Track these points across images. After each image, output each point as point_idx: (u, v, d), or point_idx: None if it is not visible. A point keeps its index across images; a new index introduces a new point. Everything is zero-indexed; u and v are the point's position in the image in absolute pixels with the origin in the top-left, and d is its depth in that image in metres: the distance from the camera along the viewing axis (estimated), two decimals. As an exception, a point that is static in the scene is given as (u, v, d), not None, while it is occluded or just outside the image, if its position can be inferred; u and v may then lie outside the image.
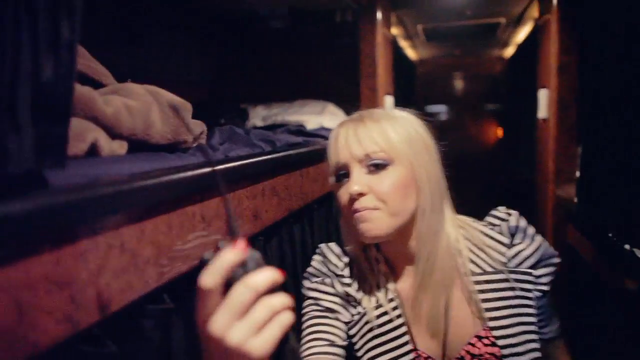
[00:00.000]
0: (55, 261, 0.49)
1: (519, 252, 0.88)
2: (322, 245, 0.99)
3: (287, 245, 1.20)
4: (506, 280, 0.87)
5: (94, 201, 0.53)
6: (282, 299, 0.48)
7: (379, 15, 2.11)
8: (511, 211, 0.93)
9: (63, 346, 0.51)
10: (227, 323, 0.46)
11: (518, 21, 2.82)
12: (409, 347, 0.87)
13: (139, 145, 0.80)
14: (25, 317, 0.46)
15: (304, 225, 1.33)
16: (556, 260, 0.91)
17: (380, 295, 0.90)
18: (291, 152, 1.14)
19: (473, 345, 0.86)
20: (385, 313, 0.89)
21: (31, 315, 0.47)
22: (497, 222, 0.92)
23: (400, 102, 3.69)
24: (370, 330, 0.88)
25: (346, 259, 0.94)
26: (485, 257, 0.89)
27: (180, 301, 0.73)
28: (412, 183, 0.86)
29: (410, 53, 3.98)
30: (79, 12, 0.50)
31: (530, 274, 0.88)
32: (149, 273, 0.64)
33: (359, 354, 0.89)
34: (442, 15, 2.58)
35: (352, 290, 0.91)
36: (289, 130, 1.50)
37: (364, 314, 0.89)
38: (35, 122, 0.46)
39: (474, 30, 3.05)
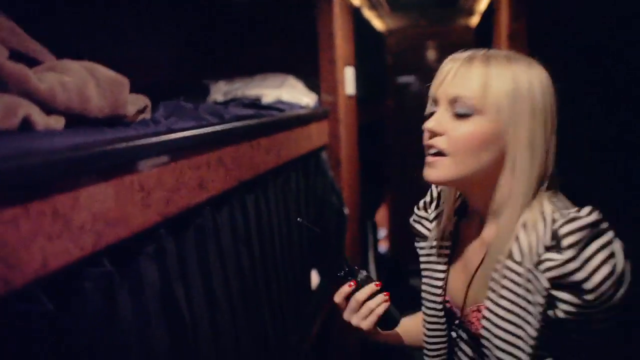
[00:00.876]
0: (-16, 226, 0.54)
1: (548, 258, 0.76)
2: None
3: (239, 214, 1.25)
4: (519, 274, 0.80)
5: (21, 170, 0.57)
6: (377, 300, 0.92)
7: (335, -14, 2.13)
8: (574, 213, 0.77)
9: (2, 303, 0.56)
10: (348, 316, 0.95)
11: (477, -10, 2.86)
12: (439, 283, 0.98)
13: (77, 120, 0.83)
14: (-44, 277, 0.50)
15: (257, 196, 1.38)
16: (588, 296, 0.72)
17: (445, 232, 0.98)
18: (237, 124, 1.18)
19: (472, 311, 0.91)
20: (439, 247, 0.99)
21: (-37, 275, 0.51)
22: (561, 219, 0.78)
23: (371, 73, 3.73)
24: (424, 256, 1.02)
25: (436, 193, 1.03)
26: (525, 244, 0.80)
27: (122, 266, 0.78)
28: (496, 140, 0.82)
29: (378, 24, 3.99)
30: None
31: (546, 287, 0.76)
32: (84, 238, 0.68)
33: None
34: (402, -15, 2.61)
35: (430, 218, 1.02)
36: (242, 104, 1.53)
37: (428, 240, 1.01)
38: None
39: (436, -1, 3.09)
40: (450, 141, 0.82)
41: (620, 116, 1.43)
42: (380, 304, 0.92)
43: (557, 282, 0.75)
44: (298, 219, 1.00)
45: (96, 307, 0.71)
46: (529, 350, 0.78)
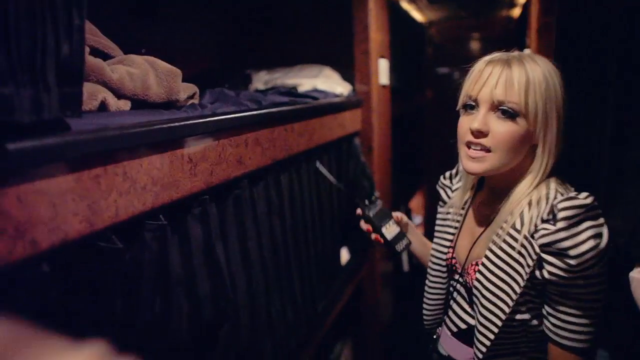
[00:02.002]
0: (76, 180, 0.72)
1: (543, 228, 0.89)
2: None
3: (274, 190, 1.42)
4: (516, 239, 0.93)
5: (102, 140, 0.76)
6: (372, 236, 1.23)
7: (370, -18, 2.24)
8: (572, 194, 0.90)
9: (85, 240, 0.75)
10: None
11: (515, -18, 2.89)
12: (447, 243, 1.16)
13: (140, 104, 1.02)
14: (59, 215, 0.69)
15: (291, 175, 1.55)
16: (572, 261, 0.85)
17: (461, 200, 1.15)
18: (273, 109, 1.35)
19: (472, 265, 1.05)
20: (454, 213, 1.17)
21: (62, 214, 0.70)
22: (558, 197, 0.92)
23: (409, 64, 3.81)
24: (441, 219, 1.20)
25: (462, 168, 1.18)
26: (527, 217, 0.93)
27: (174, 220, 0.97)
28: (531, 136, 0.94)
29: (417, 16, 4.06)
30: (85, 4, 0.71)
31: (536, 251, 0.89)
32: (145, 197, 0.87)
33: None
34: (438, -21, 2.68)
35: (453, 188, 1.21)
36: (279, 92, 1.69)
37: (446, 207, 1.20)
38: (59, 85, 0.68)
39: (475, -9, 3.13)
40: (494, 140, 0.94)
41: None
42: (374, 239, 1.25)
43: (547, 248, 0.87)
44: (317, 163, 1.28)
45: (152, 252, 0.90)
46: (510, 303, 0.92)
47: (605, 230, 0.87)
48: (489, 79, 0.92)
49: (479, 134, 0.94)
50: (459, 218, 1.15)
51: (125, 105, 0.96)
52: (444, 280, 1.17)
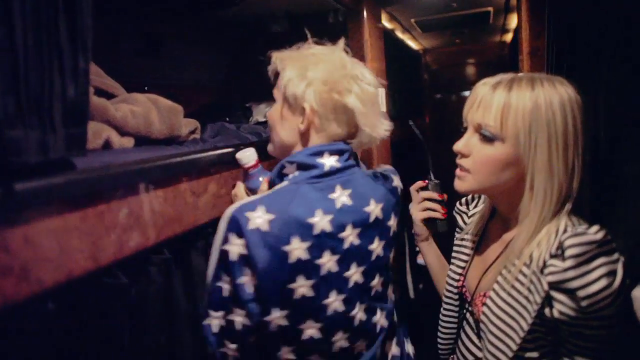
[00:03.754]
0: (82, 218, 0.74)
1: (552, 264, 0.83)
2: None
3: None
4: (525, 275, 0.88)
5: (106, 177, 0.78)
6: (434, 205, 1.18)
7: (364, 14, 2.31)
8: (582, 229, 0.83)
9: (91, 276, 0.76)
10: (412, 204, 1.23)
11: (506, 9, 2.96)
12: (460, 270, 1.11)
13: (143, 140, 1.04)
14: (64, 252, 0.71)
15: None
16: (582, 302, 0.78)
17: (476, 227, 1.11)
18: (273, 141, 1.37)
19: (480, 296, 1.00)
20: (468, 240, 1.13)
21: (68, 251, 0.71)
22: (569, 231, 0.85)
23: (407, 90, 3.87)
24: (457, 245, 1.15)
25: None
26: (536, 253, 0.87)
27: (178, 253, 0.98)
28: (515, 163, 0.89)
29: (413, 44, 4.14)
30: (90, 49, 0.74)
31: (544, 289, 0.83)
32: (149, 231, 0.88)
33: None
34: (430, 9, 2.75)
35: (469, 214, 1.18)
36: (279, 124, 1.73)
37: (462, 233, 1.16)
38: (65, 125, 0.71)
39: (467, 19, 3.21)
40: (472, 162, 0.93)
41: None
42: (435, 209, 1.18)
43: (556, 286, 0.81)
44: (410, 122, 1.26)
45: (157, 285, 0.90)
46: (518, 340, 0.87)
47: (619, 267, 0.79)
48: (474, 102, 0.91)
49: (461, 155, 0.95)
50: (472, 245, 1.11)
51: (129, 142, 0.99)
52: (456, 308, 1.13)
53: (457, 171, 0.97)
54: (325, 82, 0.97)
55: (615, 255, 0.80)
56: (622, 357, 0.92)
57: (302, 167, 0.95)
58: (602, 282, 0.77)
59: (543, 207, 0.88)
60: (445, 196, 1.20)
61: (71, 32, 0.69)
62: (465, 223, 1.18)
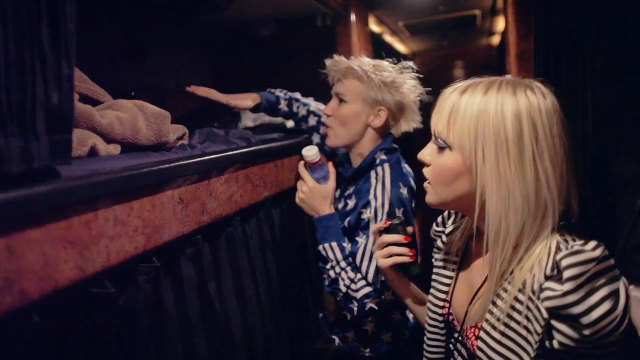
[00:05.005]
0: (67, 227, 0.72)
1: (548, 287, 0.74)
2: None
3: (266, 226, 1.42)
4: (521, 302, 0.79)
5: (92, 186, 0.76)
6: (400, 249, 1.07)
7: (352, 18, 2.31)
8: (578, 246, 0.75)
9: (77, 286, 0.74)
10: (375, 248, 1.12)
11: (492, 12, 2.99)
12: (443, 295, 1.00)
13: (130, 147, 1.03)
14: (49, 263, 0.69)
15: (283, 209, 1.55)
16: (585, 330, 0.70)
17: (456, 246, 1.00)
18: (262, 146, 1.36)
19: (470, 327, 0.90)
20: (447, 261, 1.02)
21: (53, 262, 0.70)
22: (562, 249, 0.77)
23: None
24: (437, 267, 1.04)
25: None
26: (526, 274, 0.79)
27: (167, 261, 0.96)
28: (467, 172, 0.83)
29: (401, 47, 4.16)
30: (73, 55, 0.73)
31: (543, 317, 0.74)
32: (137, 240, 0.86)
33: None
34: (417, 12, 2.77)
35: (446, 232, 1.05)
36: (269, 128, 1.72)
37: (441, 253, 1.05)
38: (49, 133, 0.69)
39: (454, 22, 3.23)
40: (432, 172, 0.88)
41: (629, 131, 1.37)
42: (402, 254, 1.08)
43: (556, 313, 0.73)
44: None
45: (146, 294, 0.89)
46: None
47: (622, 286, 0.72)
48: (434, 109, 0.88)
49: (422, 164, 0.91)
50: (453, 266, 1.01)
51: (115, 149, 0.97)
52: (442, 338, 1.02)
53: (424, 183, 0.93)
54: (400, 91, 1.46)
55: (615, 272, 0.73)
56: None
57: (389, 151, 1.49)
58: (606, 306, 0.70)
59: (501, 224, 0.80)
60: (411, 229, 1.08)
61: (54, 38, 0.67)
62: (443, 243, 1.06)
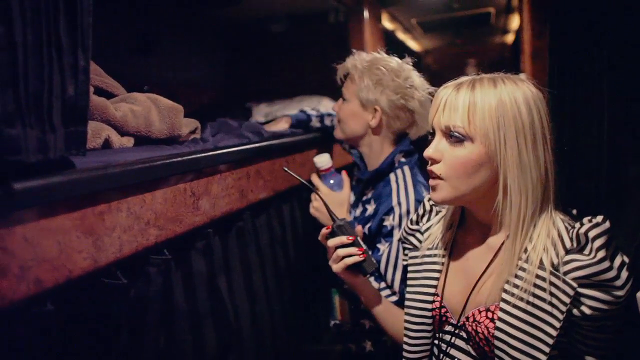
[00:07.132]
0: (81, 217, 0.73)
1: (573, 259, 0.81)
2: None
3: (276, 221, 1.43)
4: (543, 279, 0.83)
5: (105, 177, 0.77)
6: (348, 250, 1.01)
7: (365, 14, 2.31)
8: (595, 219, 0.83)
9: (90, 276, 0.75)
10: (329, 256, 1.05)
11: (507, 10, 2.96)
12: (432, 290, 0.99)
13: (143, 140, 1.04)
14: (63, 252, 0.70)
15: (293, 205, 1.55)
16: (619, 292, 0.78)
17: (440, 240, 1.01)
18: (274, 141, 1.37)
19: (480, 312, 0.91)
20: (433, 256, 1.01)
21: (67, 251, 0.71)
22: (576, 225, 0.85)
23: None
24: (417, 264, 1.03)
25: (429, 206, 1.08)
26: (541, 251, 0.85)
27: (178, 254, 0.97)
28: (488, 161, 0.87)
29: (413, 45, 4.14)
30: (90, 48, 0.74)
31: (572, 286, 0.80)
32: (149, 232, 0.87)
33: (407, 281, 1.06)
34: (431, 9, 2.75)
35: (422, 230, 1.06)
36: (280, 124, 1.72)
37: (420, 250, 1.04)
38: (65, 125, 0.70)
39: (469, 20, 3.20)
40: (446, 167, 0.89)
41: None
42: (350, 254, 1.01)
43: (587, 281, 0.79)
44: (284, 168, 1.07)
45: (156, 286, 0.90)
46: (547, 349, 0.80)
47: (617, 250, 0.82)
48: (439, 104, 0.90)
49: (432, 160, 0.91)
50: (442, 260, 1.00)
51: (129, 142, 0.98)
52: (429, 335, 1.00)
53: (431, 181, 0.92)
54: (396, 91, 1.36)
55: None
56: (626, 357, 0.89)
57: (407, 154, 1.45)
58: (625, 268, 0.79)
59: (520, 203, 0.87)
60: (359, 229, 1.11)
61: (71, 30, 0.68)
62: (420, 241, 1.06)
